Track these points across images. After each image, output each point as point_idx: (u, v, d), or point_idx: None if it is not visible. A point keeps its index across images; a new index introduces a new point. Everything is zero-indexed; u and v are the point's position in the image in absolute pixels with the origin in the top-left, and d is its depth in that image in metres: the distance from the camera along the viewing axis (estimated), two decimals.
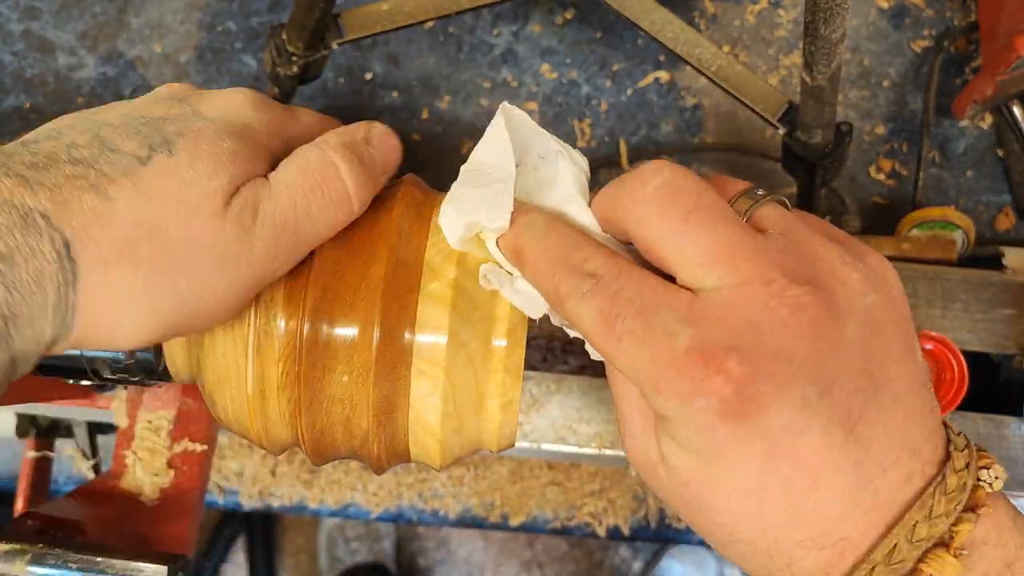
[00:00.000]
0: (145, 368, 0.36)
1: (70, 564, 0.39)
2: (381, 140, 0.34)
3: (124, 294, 0.26)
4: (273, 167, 0.32)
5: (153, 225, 0.27)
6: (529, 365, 0.62)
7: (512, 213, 0.31)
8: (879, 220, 0.67)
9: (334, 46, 0.58)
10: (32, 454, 0.64)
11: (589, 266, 0.28)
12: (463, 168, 0.34)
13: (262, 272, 0.30)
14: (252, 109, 0.32)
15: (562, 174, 0.32)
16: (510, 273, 0.32)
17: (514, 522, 0.68)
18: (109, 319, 0.26)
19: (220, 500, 0.70)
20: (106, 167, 0.27)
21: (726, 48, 0.70)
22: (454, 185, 0.33)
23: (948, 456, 0.27)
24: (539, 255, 0.30)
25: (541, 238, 0.30)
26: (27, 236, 0.24)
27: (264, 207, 0.30)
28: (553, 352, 0.64)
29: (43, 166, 0.26)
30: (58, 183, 0.26)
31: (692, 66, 0.54)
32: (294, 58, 0.57)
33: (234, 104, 0.32)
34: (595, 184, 0.68)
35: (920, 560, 0.25)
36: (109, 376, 0.36)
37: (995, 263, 0.59)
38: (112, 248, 0.26)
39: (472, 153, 0.34)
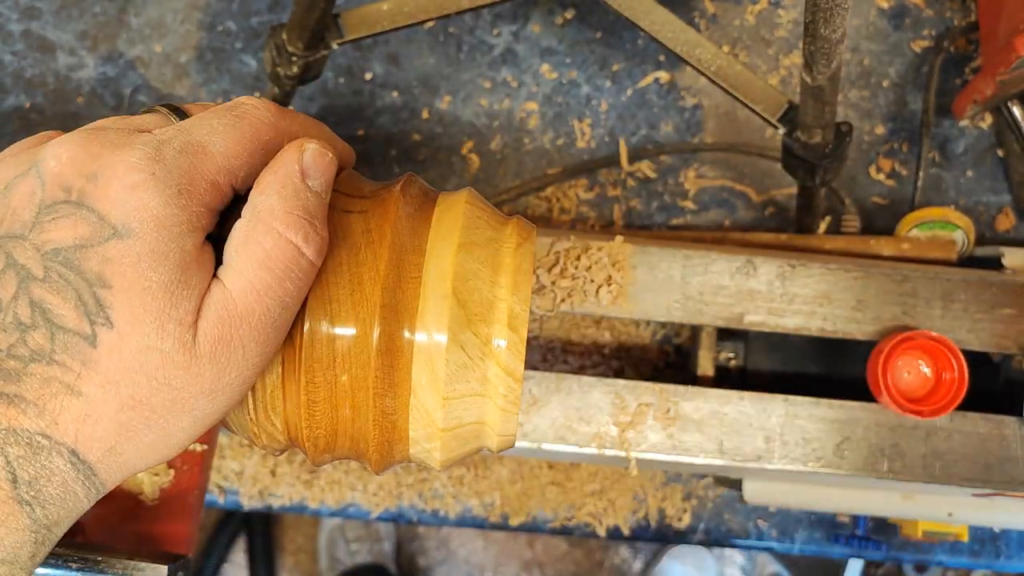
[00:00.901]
0: None
1: (70, 564, 0.39)
2: (316, 166, 0.31)
3: (137, 455, 0.29)
4: (222, 207, 0.30)
5: (135, 403, 0.28)
6: (529, 365, 0.62)
7: None
8: (879, 220, 0.67)
9: (334, 46, 0.58)
10: None
11: None
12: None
13: (256, 375, 0.30)
14: (155, 189, 0.28)
15: None
16: None
17: (514, 522, 0.68)
18: (132, 470, 0.29)
19: (220, 500, 0.70)
20: (64, 357, 0.27)
21: (726, 48, 0.70)
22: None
23: None
24: None
25: None
26: (40, 460, 0.27)
27: (236, 331, 0.29)
28: (553, 352, 0.64)
29: (13, 374, 0.27)
30: (39, 395, 0.27)
31: (692, 66, 0.54)
32: (294, 58, 0.57)
33: (134, 194, 0.28)
34: (595, 183, 0.68)
35: None
36: None
37: (995, 263, 0.59)
38: (110, 438, 0.28)
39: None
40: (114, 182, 0.28)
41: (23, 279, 0.28)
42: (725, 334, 0.59)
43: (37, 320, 0.27)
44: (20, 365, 0.27)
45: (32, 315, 0.27)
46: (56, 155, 0.28)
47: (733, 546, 0.68)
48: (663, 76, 0.69)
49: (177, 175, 0.28)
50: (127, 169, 0.28)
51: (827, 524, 0.67)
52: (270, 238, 0.29)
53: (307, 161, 0.31)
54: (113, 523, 0.46)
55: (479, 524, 0.69)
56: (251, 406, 0.33)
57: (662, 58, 0.69)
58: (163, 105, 0.33)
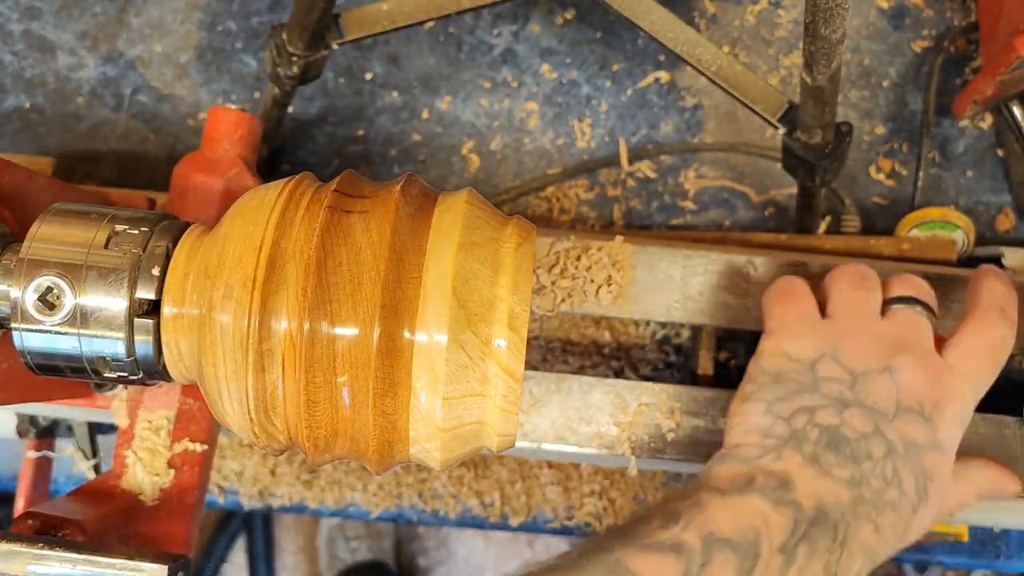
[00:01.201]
0: (145, 367, 0.36)
1: (70, 564, 0.39)
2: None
3: None
4: None
5: (921, 529, 0.45)
6: (529, 365, 0.62)
7: None
8: (879, 220, 0.67)
9: (334, 46, 0.58)
10: (32, 454, 0.64)
11: None
12: None
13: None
14: (962, 423, 0.46)
15: None
16: None
17: (514, 522, 0.68)
18: None
19: (220, 500, 0.70)
20: (899, 509, 0.43)
21: (726, 48, 0.70)
22: None
23: None
24: None
25: None
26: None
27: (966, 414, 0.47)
28: (553, 352, 0.64)
29: (877, 509, 0.42)
30: (882, 524, 0.42)
31: (692, 66, 0.54)
32: (294, 58, 0.57)
33: (953, 426, 0.45)
34: (595, 183, 0.68)
35: None
36: (109, 375, 0.36)
37: (995, 263, 0.59)
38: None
39: None
40: (947, 413, 0.44)
41: (889, 450, 0.43)
42: (725, 334, 0.59)
43: (892, 481, 0.42)
44: (884, 503, 0.42)
45: (893, 477, 0.43)
46: (912, 375, 0.44)
47: None
48: (663, 76, 0.69)
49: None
50: (954, 409, 0.45)
51: None
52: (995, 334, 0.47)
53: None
54: (113, 523, 0.46)
55: (479, 524, 0.69)
56: (251, 406, 0.33)
57: (662, 58, 0.69)
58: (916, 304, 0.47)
